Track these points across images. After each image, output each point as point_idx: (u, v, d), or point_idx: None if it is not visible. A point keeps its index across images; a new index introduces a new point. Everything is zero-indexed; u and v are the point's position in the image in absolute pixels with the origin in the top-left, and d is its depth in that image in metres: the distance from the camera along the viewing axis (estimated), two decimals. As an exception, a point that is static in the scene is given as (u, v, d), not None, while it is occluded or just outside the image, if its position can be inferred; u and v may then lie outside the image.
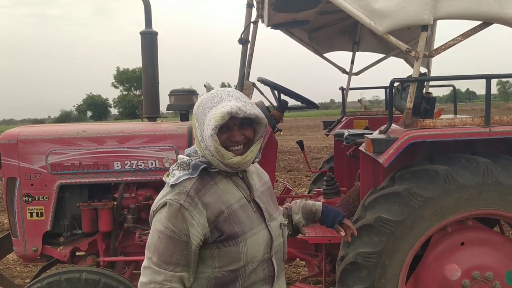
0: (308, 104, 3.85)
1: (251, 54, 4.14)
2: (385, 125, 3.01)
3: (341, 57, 5.01)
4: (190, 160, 1.65)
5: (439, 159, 2.81)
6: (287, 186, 4.31)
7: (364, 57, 4.97)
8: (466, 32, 2.78)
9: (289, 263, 4.83)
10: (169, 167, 3.22)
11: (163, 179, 1.68)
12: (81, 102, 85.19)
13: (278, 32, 4.53)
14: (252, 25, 3.33)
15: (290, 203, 3.99)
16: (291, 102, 3.85)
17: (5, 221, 7.39)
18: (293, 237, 2.16)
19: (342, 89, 4.86)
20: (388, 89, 2.97)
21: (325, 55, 4.86)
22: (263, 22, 4.13)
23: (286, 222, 1.86)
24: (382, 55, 4.81)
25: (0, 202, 9.17)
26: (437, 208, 2.70)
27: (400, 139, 2.70)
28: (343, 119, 4.79)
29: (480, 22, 2.77)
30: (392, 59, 4.83)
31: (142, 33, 3.83)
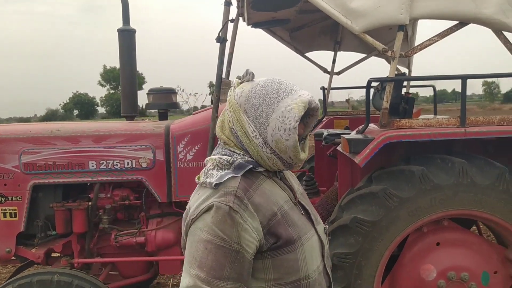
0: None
1: (232, 53, 4.11)
2: (363, 125, 3.00)
3: (324, 56, 5.01)
4: (234, 159, 1.39)
5: (415, 160, 2.80)
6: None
7: (348, 57, 4.97)
8: (442, 32, 2.78)
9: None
10: (146, 167, 3.28)
11: (196, 180, 1.44)
12: (68, 101, 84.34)
13: (259, 31, 4.51)
14: (231, 23, 3.28)
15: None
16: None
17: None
18: None
19: (323, 88, 4.85)
20: (366, 89, 2.94)
21: (307, 54, 4.84)
22: (244, 20, 4.10)
23: (328, 226, 1.65)
24: (364, 55, 4.81)
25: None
26: (413, 209, 2.69)
27: (376, 139, 2.69)
28: (323, 119, 4.79)
29: (457, 22, 2.76)
30: (379, 59, 4.82)
31: (119, 31, 3.78)
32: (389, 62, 4.67)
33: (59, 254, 3.45)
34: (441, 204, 2.69)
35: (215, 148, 1.50)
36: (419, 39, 3.92)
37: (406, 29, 4.37)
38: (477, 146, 3.03)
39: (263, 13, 3.68)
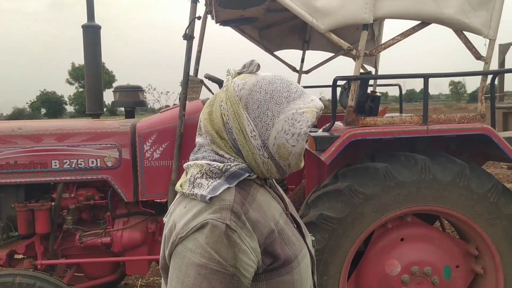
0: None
1: (200, 51, 4.09)
2: (329, 123, 3.03)
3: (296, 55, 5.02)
4: (228, 167, 1.18)
5: (380, 157, 2.85)
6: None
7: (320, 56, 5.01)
8: (405, 31, 2.83)
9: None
10: (112, 166, 3.22)
11: (178, 189, 1.22)
12: (35, 99, 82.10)
13: (229, 29, 4.50)
14: (198, 21, 3.26)
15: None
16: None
17: None
18: None
19: (292, 87, 4.87)
20: (332, 88, 2.97)
21: (276, 53, 4.85)
22: (212, 18, 4.09)
23: (314, 239, 1.47)
24: (332, 54, 4.86)
25: None
26: (377, 205, 2.74)
27: (342, 137, 2.72)
28: (293, 117, 4.79)
29: (419, 22, 2.82)
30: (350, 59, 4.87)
31: (84, 27, 3.71)
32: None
33: (22, 256, 3.35)
34: (405, 200, 2.75)
35: (196, 150, 1.28)
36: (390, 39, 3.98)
37: (373, 29, 4.45)
38: (440, 143, 3.11)
39: (231, 11, 3.67)
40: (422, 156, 2.76)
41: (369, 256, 2.93)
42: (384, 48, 2.86)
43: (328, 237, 2.75)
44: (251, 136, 1.18)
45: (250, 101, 1.19)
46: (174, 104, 3.69)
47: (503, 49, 4.71)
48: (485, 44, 2.83)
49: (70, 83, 69.73)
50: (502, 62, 4.69)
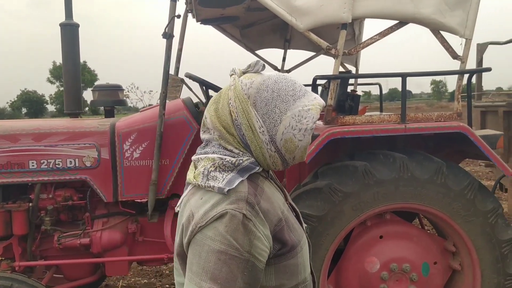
0: (237, 101, 3.83)
1: (180, 49, 4.07)
2: (309, 122, 3.04)
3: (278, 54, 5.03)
4: (240, 161, 1.27)
5: (359, 155, 2.87)
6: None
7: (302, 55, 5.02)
8: (383, 31, 2.86)
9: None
10: (90, 166, 3.18)
11: (191, 180, 1.29)
12: (15, 99, 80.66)
13: (209, 28, 4.48)
14: (177, 19, 3.23)
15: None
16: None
17: None
18: None
19: (274, 86, 4.88)
20: (311, 87, 2.99)
21: (258, 52, 4.85)
22: (193, 17, 4.06)
23: (307, 226, 1.58)
24: (313, 53, 4.88)
25: None
26: (357, 203, 2.76)
27: (321, 135, 2.74)
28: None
29: (397, 21, 2.85)
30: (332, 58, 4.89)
31: (62, 25, 3.66)
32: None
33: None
34: (384, 198, 2.78)
35: (204, 145, 1.35)
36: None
37: (353, 28, 4.48)
38: (418, 141, 3.15)
39: (211, 9, 3.65)
40: (401, 154, 2.79)
41: (349, 254, 2.95)
42: (363, 47, 2.88)
43: (308, 235, 2.76)
44: (260, 132, 1.27)
45: (258, 99, 1.27)
46: (158, 103, 3.66)
47: (481, 48, 4.78)
48: (461, 44, 2.87)
49: (51, 82, 68.72)
50: (480, 62, 4.76)
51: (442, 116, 2.92)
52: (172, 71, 3.95)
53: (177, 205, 1.33)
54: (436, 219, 2.96)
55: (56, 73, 66.11)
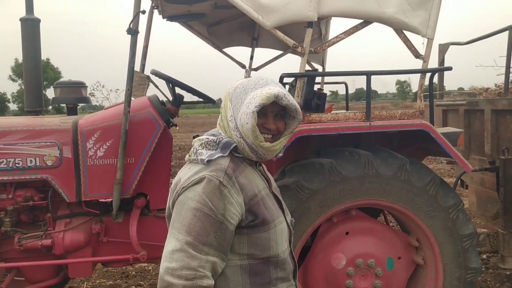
0: (204, 99, 3.80)
1: (146, 46, 4.00)
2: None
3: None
4: (220, 139, 1.56)
5: (325, 153, 2.90)
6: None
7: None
8: (348, 30, 2.89)
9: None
10: (52, 165, 3.09)
11: (187, 158, 1.60)
12: (-25, 97, 77.62)
13: (176, 25, 4.43)
14: (143, 15, 3.18)
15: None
16: (188, 97, 3.77)
17: None
18: None
19: (241, 84, 4.87)
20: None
21: (225, 50, 4.83)
22: (159, 13, 4.00)
23: (293, 220, 1.83)
24: (281, 52, 4.89)
25: None
26: (323, 200, 2.78)
27: (288, 133, 2.74)
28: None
29: (361, 20, 2.89)
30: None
31: (22, 20, 3.53)
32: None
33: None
34: (349, 194, 2.81)
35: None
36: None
37: (320, 27, 4.52)
38: (383, 139, 3.21)
39: (178, 6, 3.61)
40: (365, 151, 2.84)
41: (316, 250, 2.98)
42: (329, 46, 2.91)
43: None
44: (229, 120, 1.57)
45: (233, 95, 1.57)
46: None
47: (443, 48, 4.91)
48: (423, 43, 2.95)
49: (13, 80, 66.44)
50: (441, 61, 4.90)
51: (405, 114, 2.98)
52: (138, 68, 3.89)
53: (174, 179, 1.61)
54: (400, 215, 3.02)
55: (18, 71, 63.86)
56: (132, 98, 3.21)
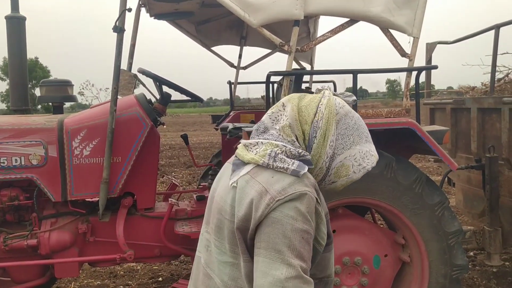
0: (192, 98, 3.80)
1: (133, 45, 3.98)
2: (264, 118, 3.05)
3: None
4: (305, 154, 1.39)
5: (312, 151, 2.90)
6: (173, 181, 4.22)
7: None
8: (335, 28, 2.90)
9: (175, 259, 4.75)
10: (37, 164, 3.05)
11: (252, 161, 1.39)
12: (-38, 96, 76.66)
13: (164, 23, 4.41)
14: (129, 13, 3.16)
15: (176, 199, 3.90)
16: (175, 95, 3.77)
17: None
18: None
19: (230, 83, 4.88)
20: (265, 83, 2.99)
21: (214, 48, 4.82)
22: (147, 12, 3.99)
23: None
24: (269, 50, 4.89)
25: None
26: (310, 198, 2.78)
27: (275, 131, 2.74)
28: (231, 113, 4.81)
29: (348, 19, 2.90)
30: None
31: (7, 18, 3.50)
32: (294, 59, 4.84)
33: None
34: (336, 193, 2.81)
35: (262, 131, 1.46)
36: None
37: (308, 26, 4.53)
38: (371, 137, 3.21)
39: (165, 4, 3.60)
40: (352, 150, 2.84)
41: (303, 249, 2.98)
42: (315, 44, 2.92)
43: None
44: (329, 144, 1.40)
45: (342, 121, 1.43)
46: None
47: (430, 47, 4.94)
48: (409, 42, 2.96)
49: (2, 79, 65.79)
50: (429, 60, 4.93)
51: (391, 113, 3.00)
52: (125, 67, 3.87)
53: (233, 181, 1.39)
54: (386, 213, 3.04)
55: (7, 70, 63.40)
56: (119, 97, 3.19)
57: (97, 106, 3.36)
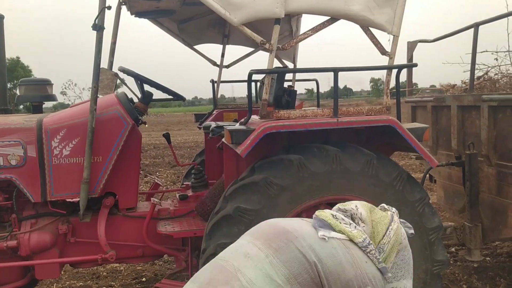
0: (174, 96, 3.78)
1: (114, 43, 3.93)
2: (246, 117, 3.05)
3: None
4: (365, 241, 1.64)
5: (294, 149, 2.91)
6: (156, 181, 4.19)
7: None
8: (316, 26, 2.91)
9: (159, 259, 4.72)
10: (16, 165, 3.00)
11: (357, 240, 1.65)
12: None
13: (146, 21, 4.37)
14: (108, 10, 3.12)
15: (159, 198, 3.87)
16: (157, 94, 3.74)
17: None
18: None
19: (212, 81, 4.86)
20: (247, 82, 2.99)
21: (196, 47, 4.80)
22: (128, 9, 3.95)
23: None
24: (252, 49, 4.89)
25: None
26: (292, 196, 2.80)
27: (257, 130, 2.74)
28: (214, 112, 4.80)
29: (329, 17, 2.91)
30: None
31: (-16, 16, 3.43)
32: (277, 58, 4.85)
33: None
34: (318, 190, 2.83)
35: (347, 215, 1.74)
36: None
37: (290, 24, 4.54)
38: (351, 135, 3.23)
39: (146, 2, 3.57)
40: (334, 147, 2.86)
41: (286, 247, 2.98)
42: (296, 42, 2.93)
43: (244, 229, 2.74)
44: (386, 266, 1.63)
45: (401, 252, 1.68)
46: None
47: (411, 46, 4.99)
48: (389, 40, 2.99)
49: (-18, 79, 64.59)
50: (410, 59, 4.97)
51: (372, 110, 3.02)
52: (106, 65, 3.83)
53: (323, 234, 1.62)
54: (368, 210, 3.05)
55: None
56: (100, 96, 3.16)
57: (77, 105, 3.32)
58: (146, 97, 3.56)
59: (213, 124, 3.86)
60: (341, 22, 2.95)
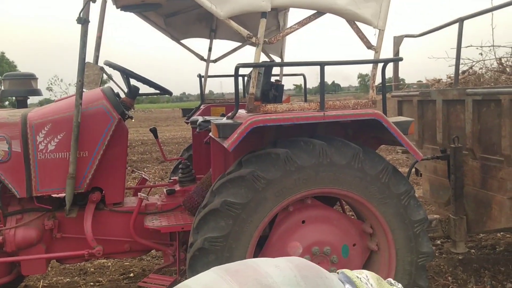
0: (160, 91, 3.76)
1: (100, 37, 3.89)
2: (233, 111, 3.05)
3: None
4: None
5: (281, 143, 2.92)
6: (143, 176, 4.17)
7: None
8: (302, 20, 2.91)
9: (146, 254, 4.71)
10: (0, 160, 2.97)
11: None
12: None
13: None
14: (93, 4, 3.09)
15: (147, 193, 3.86)
16: (143, 88, 3.72)
17: None
18: None
19: (200, 76, 4.85)
20: (234, 76, 2.99)
21: (183, 41, 4.77)
22: (113, 3, 3.91)
23: None
24: (239, 43, 4.88)
25: None
26: (279, 189, 2.81)
27: (244, 123, 2.75)
28: (201, 107, 4.79)
29: (315, 11, 2.92)
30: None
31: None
32: (265, 53, 4.85)
33: None
34: (305, 183, 2.85)
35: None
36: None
37: (278, 19, 4.54)
38: (338, 129, 3.26)
39: (131, -5, 3.54)
40: (320, 141, 2.87)
41: (273, 240, 3.01)
42: (283, 36, 2.94)
43: (232, 223, 2.78)
44: None
45: None
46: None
47: (397, 41, 5.03)
48: (375, 34, 3.00)
49: (-34, 75, 63.73)
50: (396, 53, 5.01)
51: (358, 104, 3.04)
52: (92, 60, 3.79)
53: None
54: (354, 203, 3.09)
55: (-31, 65, 61.25)
56: (85, 90, 3.13)
57: (62, 100, 3.29)
58: (133, 92, 3.54)
59: (200, 119, 3.85)
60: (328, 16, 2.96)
